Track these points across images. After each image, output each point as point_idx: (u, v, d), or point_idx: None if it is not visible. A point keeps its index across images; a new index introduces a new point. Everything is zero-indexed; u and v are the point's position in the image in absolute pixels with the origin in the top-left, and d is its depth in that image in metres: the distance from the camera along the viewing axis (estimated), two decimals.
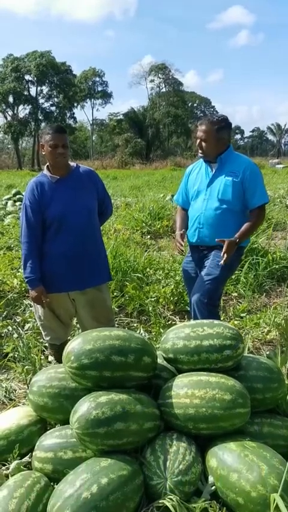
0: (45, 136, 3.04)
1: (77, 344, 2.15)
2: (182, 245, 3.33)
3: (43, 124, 53.52)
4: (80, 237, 3.08)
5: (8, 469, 2.17)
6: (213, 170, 3.30)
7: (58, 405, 2.25)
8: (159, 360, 2.35)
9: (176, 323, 4.36)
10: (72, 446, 2.07)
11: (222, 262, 3.04)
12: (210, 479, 1.98)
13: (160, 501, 1.88)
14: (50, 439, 2.14)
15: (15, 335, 4.19)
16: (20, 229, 3.16)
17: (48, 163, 3.13)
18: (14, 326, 4.31)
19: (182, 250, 3.36)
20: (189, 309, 3.86)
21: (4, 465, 2.23)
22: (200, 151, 3.30)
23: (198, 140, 3.28)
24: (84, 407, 1.98)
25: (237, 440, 2.00)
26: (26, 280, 3.11)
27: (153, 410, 2.11)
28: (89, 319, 3.25)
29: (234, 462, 1.90)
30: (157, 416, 2.12)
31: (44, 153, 3.07)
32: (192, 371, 2.21)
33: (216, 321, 2.30)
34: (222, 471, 1.91)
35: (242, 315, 4.46)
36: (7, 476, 2.11)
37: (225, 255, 3.02)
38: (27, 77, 52.13)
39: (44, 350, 3.80)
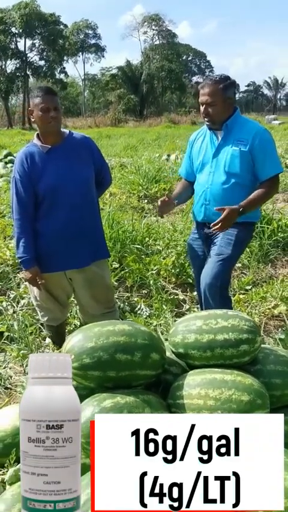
0: (35, 99, 2.72)
1: (77, 341, 1.93)
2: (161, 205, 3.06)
3: (31, 80, 51.42)
4: (76, 211, 2.83)
5: (5, 473, 2.00)
6: (219, 139, 3.00)
7: None
8: (168, 353, 2.14)
9: (178, 297, 4.16)
10: None
11: (214, 229, 2.73)
12: None
13: None
14: None
15: (11, 311, 3.99)
16: (11, 205, 2.90)
17: (38, 131, 2.83)
18: (9, 302, 4.11)
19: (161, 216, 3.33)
20: (196, 293, 3.63)
21: (1, 469, 2.07)
22: (206, 119, 2.95)
23: (203, 106, 2.93)
24: (88, 413, 1.78)
25: None
26: (19, 260, 2.88)
27: (163, 413, 1.92)
28: (88, 298, 3.06)
29: None
30: None
31: (33, 119, 2.76)
32: (205, 367, 2.00)
33: (230, 312, 2.08)
34: None
35: (247, 287, 4.27)
36: (4, 482, 1.95)
37: (220, 223, 2.68)
38: (13, 29, 49.20)
39: (41, 329, 3.60)
